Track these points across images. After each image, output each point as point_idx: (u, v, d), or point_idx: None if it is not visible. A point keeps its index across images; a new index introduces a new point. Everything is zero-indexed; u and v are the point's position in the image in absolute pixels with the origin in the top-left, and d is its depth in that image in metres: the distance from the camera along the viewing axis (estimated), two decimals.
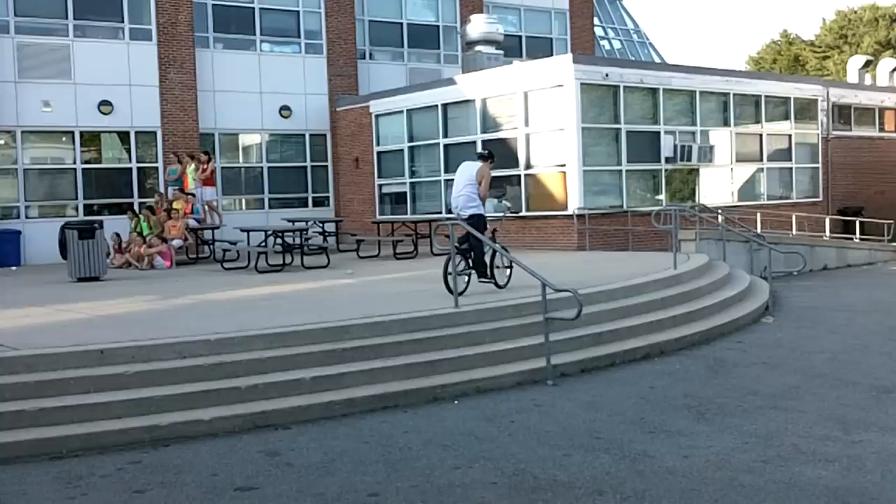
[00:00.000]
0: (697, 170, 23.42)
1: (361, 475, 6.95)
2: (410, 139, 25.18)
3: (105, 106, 24.04)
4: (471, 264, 12.41)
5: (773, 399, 9.03)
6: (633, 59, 40.01)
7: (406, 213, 24.82)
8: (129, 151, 24.84)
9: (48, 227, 21.71)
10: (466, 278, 12.29)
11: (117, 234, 21.35)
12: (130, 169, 24.75)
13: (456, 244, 11.46)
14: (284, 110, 27.02)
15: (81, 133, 24.06)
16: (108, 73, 24.04)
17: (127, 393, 8.55)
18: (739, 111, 24.62)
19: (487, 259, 12.50)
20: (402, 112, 25.32)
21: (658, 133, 22.36)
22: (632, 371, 10.46)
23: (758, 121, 25.24)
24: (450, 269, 11.35)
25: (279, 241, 19.03)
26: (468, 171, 12.83)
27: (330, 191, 27.98)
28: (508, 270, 12.83)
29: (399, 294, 13.27)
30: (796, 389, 9.46)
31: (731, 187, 24.49)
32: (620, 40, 43.78)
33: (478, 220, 12.33)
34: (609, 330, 11.47)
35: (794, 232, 24.39)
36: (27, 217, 23.26)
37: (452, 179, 23.15)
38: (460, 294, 11.39)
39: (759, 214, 23.58)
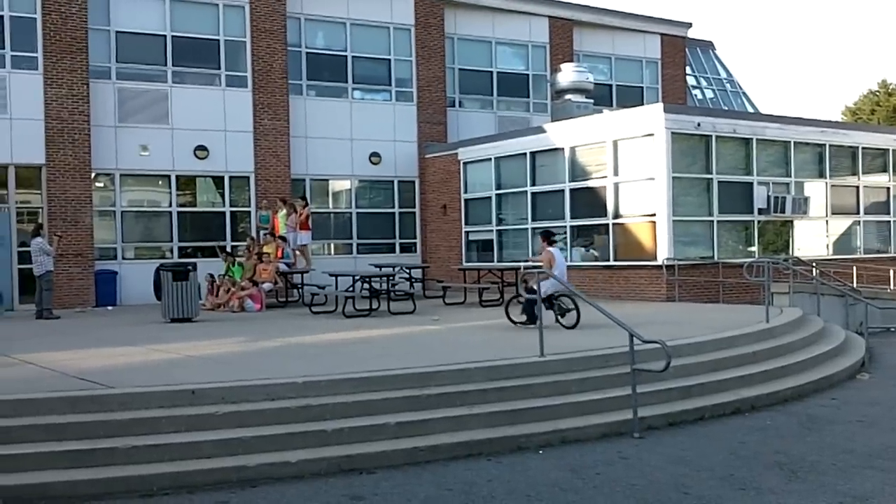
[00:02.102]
0: (791, 222, 23.02)
1: None
2: (498, 187, 25.27)
3: (201, 151, 24.65)
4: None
5: (868, 458, 8.75)
6: (725, 108, 39.60)
7: (492, 261, 24.87)
8: (222, 195, 25.40)
9: (143, 268, 22.28)
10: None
11: (211, 275, 21.80)
12: (224, 213, 25.28)
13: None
14: (374, 157, 27.37)
15: (177, 177, 24.68)
16: (205, 118, 24.68)
17: (216, 433, 8.67)
18: (835, 163, 24.16)
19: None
20: (490, 160, 25.45)
21: (751, 184, 22.06)
22: (721, 426, 10.25)
23: (854, 173, 24.74)
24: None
25: (366, 286, 19.18)
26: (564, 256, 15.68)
27: (417, 237, 28.18)
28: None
29: (484, 341, 13.25)
30: (894, 449, 9.15)
31: (827, 240, 24.00)
32: (713, 89, 43.34)
33: None
34: (698, 383, 11.27)
35: (892, 287, 23.72)
36: (123, 258, 23.86)
37: (539, 228, 23.43)
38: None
39: (854, 268, 23.04)
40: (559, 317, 14.56)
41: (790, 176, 22.92)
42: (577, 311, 14.34)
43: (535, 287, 14.00)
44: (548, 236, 15.39)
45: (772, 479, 8.04)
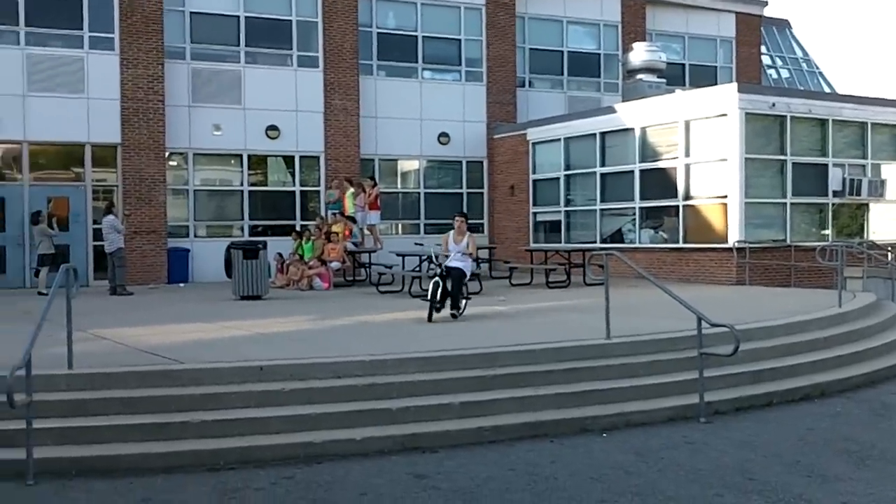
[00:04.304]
0: (867, 205, 22.53)
1: (507, 502, 6.95)
2: (567, 167, 25.14)
3: (272, 130, 24.91)
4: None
5: None
6: (801, 88, 38.87)
7: (560, 242, 24.77)
8: (293, 175, 25.67)
9: (215, 246, 22.60)
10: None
11: (280, 254, 22.07)
12: (294, 192, 25.55)
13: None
14: (443, 137, 27.40)
15: (249, 156, 24.99)
16: (276, 98, 24.93)
17: (284, 409, 8.80)
18: None
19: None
20: (559, 140, 25.32)
21: (826, 166, 21.65)
22: (790, 412, 10.10)
23: None
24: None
25: (433, 266, 19.18)
26: None
27: (485, 217, 28.18)
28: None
29: (550, 323, 13.23)
30: None
31: None
32: (788, 69, 42.61)
33: None
34: (768, 368, 11.11)
35: None
36: (195, 236, 24.26)
37: (609, 209, 23.27)
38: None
39: None
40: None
41: (867, 158, 22.42)
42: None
43: (461, 268, 13.99)
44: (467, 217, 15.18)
45: (840, 466, 7.93)
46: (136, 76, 23.09)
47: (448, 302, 13.79)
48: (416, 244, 18.56)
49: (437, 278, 13.69)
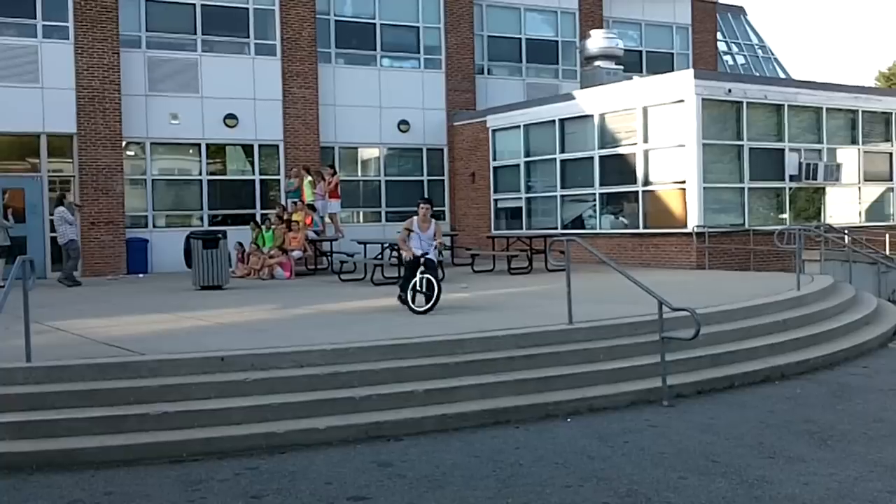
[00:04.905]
0: (823, 189, 22.79)
1: (472, 490, 6.95)
2: (527, 154, 25.17)
3: (230, 119, 24.69)
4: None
5: None
6: (757, 74, 39.19)
7: (521, 229, 24.82)
8: (252, 164, 25.47)
9: (174, 236, 22.40)
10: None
11: (240, 244, 21.92)
12: (253, 181, 25.36)
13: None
14: (403, 125, 27.31)
15: (207, 145, 24.76)
16: (234, 87, 24.69)
17: (246, 400, 8.73)
18: (868, 129, 23.85)
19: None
20: (518, 127, 25.35)
21: (782, 150, 21.86)
22: (751, 394, 10.20)
23: (888, 139, 24.42)
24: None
25: (395, 253, 19.17)
26: None
27: (446, 205, 28.14)
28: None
29: (513, 308, 13.24)
30: None
31: (859, 207, 23.75)
32: (744, 55, 42.94)
33: None
34: (728, 351, 11.21)
35: None
36: (154, 226, 24.01)
37: (569, 195, 23.37)
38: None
39: (887, 236, 22.79)
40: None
41: (822, 142, 22.68)
42: None
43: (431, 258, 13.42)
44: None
45: (801, 447, 8.01)
46: (92, 65, 22.76)
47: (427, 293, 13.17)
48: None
49: (421, 266, 13.06)
